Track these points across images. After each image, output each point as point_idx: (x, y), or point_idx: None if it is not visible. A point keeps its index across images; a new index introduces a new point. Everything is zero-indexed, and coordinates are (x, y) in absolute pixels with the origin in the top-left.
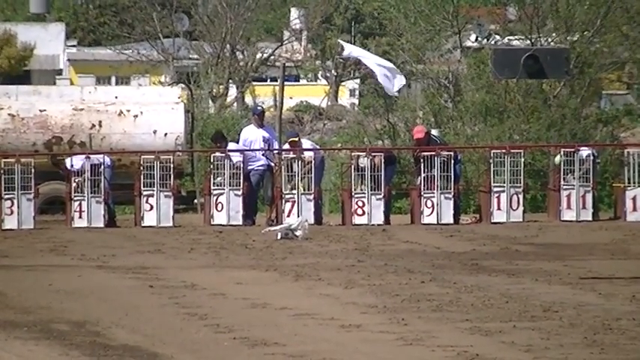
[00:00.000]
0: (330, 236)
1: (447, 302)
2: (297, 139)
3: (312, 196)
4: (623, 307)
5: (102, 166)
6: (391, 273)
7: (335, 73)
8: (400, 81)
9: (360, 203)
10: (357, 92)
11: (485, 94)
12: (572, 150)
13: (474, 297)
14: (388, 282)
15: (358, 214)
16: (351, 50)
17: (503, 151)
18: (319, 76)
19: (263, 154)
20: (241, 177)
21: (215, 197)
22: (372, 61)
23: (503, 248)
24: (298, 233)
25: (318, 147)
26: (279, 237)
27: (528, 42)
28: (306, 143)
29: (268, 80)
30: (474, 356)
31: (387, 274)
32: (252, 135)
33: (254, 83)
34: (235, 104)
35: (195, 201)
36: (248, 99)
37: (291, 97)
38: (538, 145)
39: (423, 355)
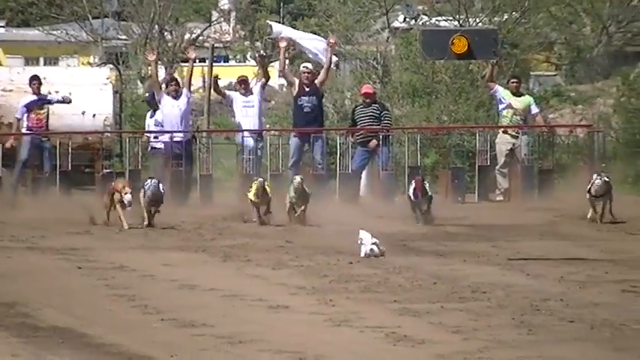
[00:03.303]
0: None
1: (376, 283)
2: (246, 77)
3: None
4: (552, 288)
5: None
6: (320, 254)
7: (264, 54)
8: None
9: None
10: None
11: (413, 75)
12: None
13: (402, 278)
14: (317, 263)
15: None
16: (280, 30)
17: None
18: (248, 57)
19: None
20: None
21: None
22: (303, 39)
23: (432, 229)
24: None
25: (266, 100)
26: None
27: (456, 23)
28: (256, 88)
29: (197, 61)
30: (402, 337)
31: (316, 255)
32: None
33: (182, 64)
34: (164, 85)
35: None
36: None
37: (220, 78)
38: (466, 126)
39: (352, 336)
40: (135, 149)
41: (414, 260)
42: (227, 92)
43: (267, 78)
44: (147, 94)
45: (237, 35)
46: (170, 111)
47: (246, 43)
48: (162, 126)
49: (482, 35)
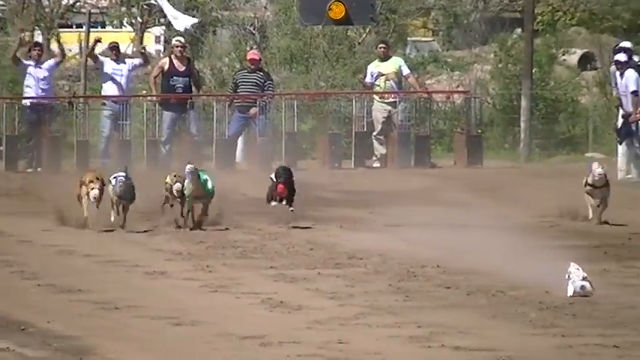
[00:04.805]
0: (135, 183)
1: (252, 249)
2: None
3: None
4: (429, 254)
5: None
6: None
7: (140, 20)
8: (188, 20)
9: None
10: (162, 39)
11: (290, 41)
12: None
13: (278, 244)
14: None
15: None
16: None
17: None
18: (125, 22)
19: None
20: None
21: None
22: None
23: (309, 195)
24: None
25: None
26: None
27: None
28: (131, 64)
29: (74, 27)
30: (278, 303)
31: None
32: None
33: (60, 30)
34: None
35: (0, 147)
36: (54, 46)
37: (101, 41)
38: (343, 92)
39: (228, 302)
40: (12, 115)
41: (290, 226)
42: (99, 57)
43: (146, 61)
44: None
45: (113, 1)
46: (33, 75)
47: (123, 9)
48: None
49: (360, 1)
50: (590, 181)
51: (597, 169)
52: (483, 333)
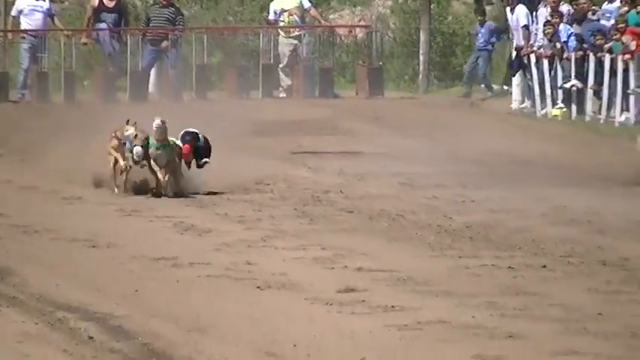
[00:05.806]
0: (52, 112)
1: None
2: None
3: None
4: (331, 180)
5: None
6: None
7: None
8: None
9: None
10: None
11: None
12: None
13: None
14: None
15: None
16: None
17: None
18: None
19: None
20: None
21: None
22: None
23: (218, 125)
24: None
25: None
26: None
27: None
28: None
29: None
30: (189, 226)
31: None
32: None
33: None
34: None
35: None
36: None
37: None
38: (251, 27)
39: (141, 225)
40: None
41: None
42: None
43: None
44: None
45: None
46: None
47: None
48: None
49: None
50: None
51: None
52: (384, 255)
